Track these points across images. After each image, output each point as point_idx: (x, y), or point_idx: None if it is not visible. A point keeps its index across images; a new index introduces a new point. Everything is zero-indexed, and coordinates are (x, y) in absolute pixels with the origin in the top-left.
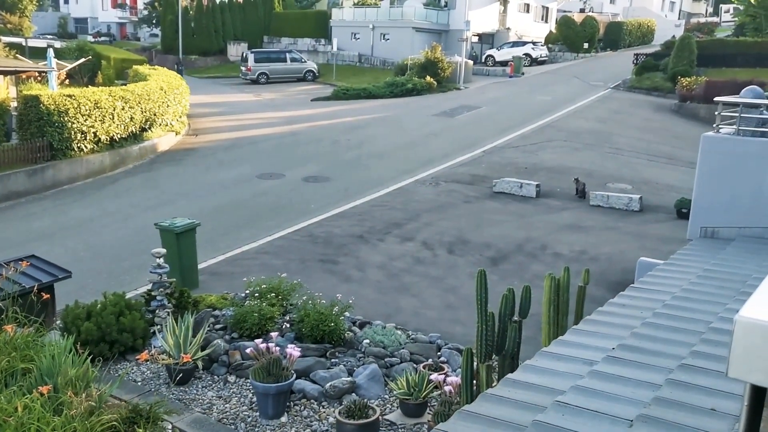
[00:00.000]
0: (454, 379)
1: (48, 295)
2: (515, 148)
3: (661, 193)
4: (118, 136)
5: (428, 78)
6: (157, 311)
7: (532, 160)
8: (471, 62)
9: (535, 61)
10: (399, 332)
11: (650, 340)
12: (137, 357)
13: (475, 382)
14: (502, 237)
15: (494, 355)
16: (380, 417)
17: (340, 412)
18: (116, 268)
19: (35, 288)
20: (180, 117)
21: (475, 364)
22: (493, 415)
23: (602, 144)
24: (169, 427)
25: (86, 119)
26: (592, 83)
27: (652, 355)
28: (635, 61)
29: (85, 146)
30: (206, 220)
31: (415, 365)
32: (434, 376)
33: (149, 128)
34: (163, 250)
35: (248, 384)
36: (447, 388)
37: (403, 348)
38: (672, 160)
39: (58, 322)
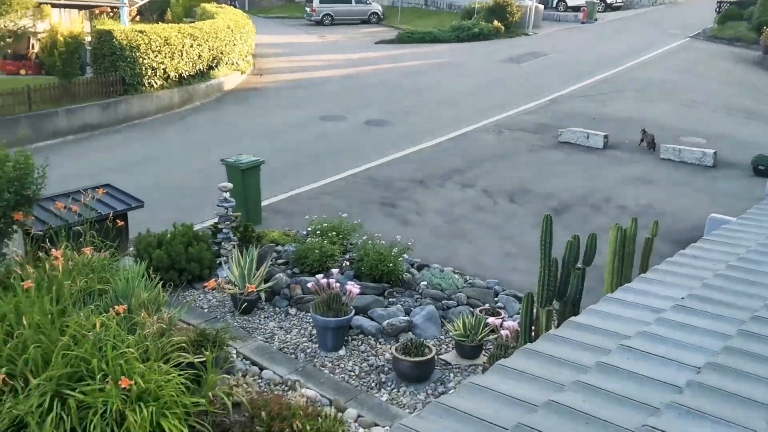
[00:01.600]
0: (511, 323)
1: (122, 223)
2: (584, 98)
3: (737, 149)
4: (186, 73)
5: (495, 23)
6: (222, 243)
7: (601, 110)
8: (541, 7)
9: (609, 7)
10: (456, 276)
11: (722, 292)
12: (204, 285)
13: (533, 327)
14: (565, 188)
15: (555, 301)
16: (436, 356)
17: (396, 349)
18: (183, 201)
19: (111, 215)
20: (245, 56)
21: (534, 309)
22: (556, 354)
23: (677, 96)
24: (234, 352)
25: (156, 55)
26: (670, 31)
27: (724, 306)
28: (718, 9)
29: (155, 82)
30: (269, 159)
31: (471, 309)
32: (491, 320)
33: (216, 66)
34: (230, 185)
35: (308, 317)
36: (503, 333)
37: (460, 292)
38: (752, 115)
39: (131, 248)
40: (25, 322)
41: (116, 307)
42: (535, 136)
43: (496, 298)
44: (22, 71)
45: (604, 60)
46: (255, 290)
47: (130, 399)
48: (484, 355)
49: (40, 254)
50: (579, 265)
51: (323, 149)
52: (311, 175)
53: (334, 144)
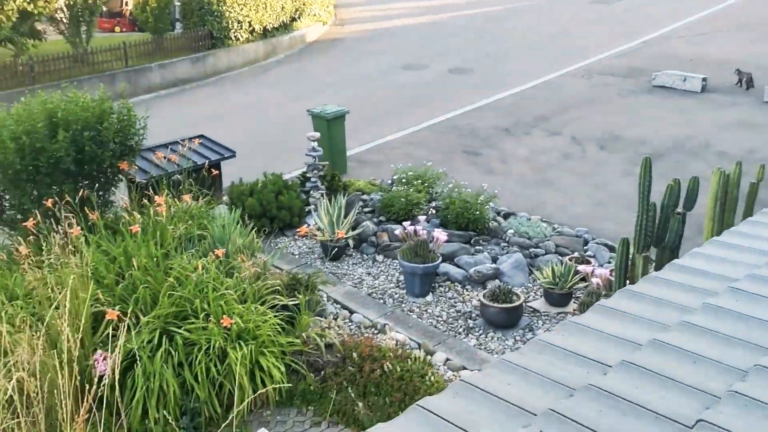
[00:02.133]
0: (602, 271)
1: (216, 172)
2: (680, 39)
3: None
4: (270, 25)
5: None
6: (311, 192)
7: (699, 51)
8: None
9: None
10: (544, 224)
11: None
12: (297, 230)
13: (628, 274)
14: (659, 134)
15: (652, 248)
16: (524, 303)
17: (484, 295)
18: (270, 152)
19: (206, 164)
20: (327, 7)
21: (630, 255)
22: (658, 296)
23: None
24: (324, 296)
25: (242, 9)
26: None
27: None
28: None
29: (241, 35)
30: (352, 110)
31: (560, 257)
32: (582, 267)
33: (298, 18)
34: (318, 134)
35: (395, 264)
36: (594, 281)
37: (548, 240)
38: None
39: (224, 197)
40: (135, 264)
41: (215, 251)
42: (627, 81)
43: (585, 247)
44: (117, 28)
45: None
46: (344, 237)
47: (230, 337)
48: (573, 302)
49: (144, 202)
50: (679, 209)
51: (406, 98)
52: (394, 125)
53: (417, 93)
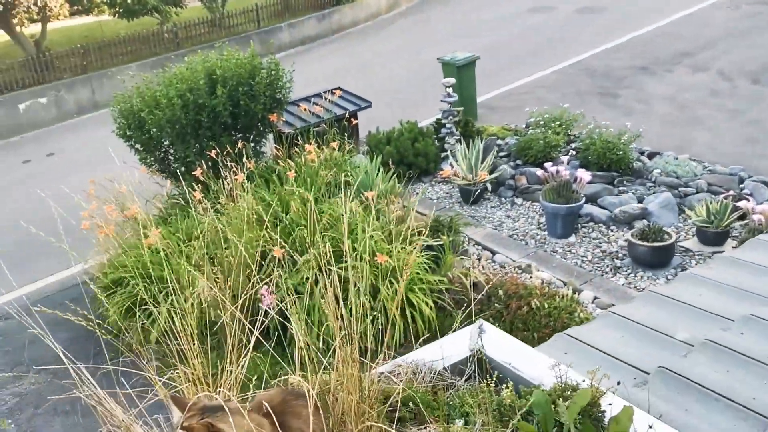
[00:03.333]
0: (765, 207)
1: (355, 122)
2: None
3: None
4: None
5: None
6: (446, 138)
7: None
8: None
9: None
10: (693, 163)
11: None
12: (440, 172)
13: None
14: None
15: None
16: (675, 242)
17: (632, 234)
18: (402, 101)
19: (347, 114)
20: None
21: None
22: None
23: None
24: (466, 238)
25: None
26: None
27: None
28: None
29: None
30: (480, 57)
31: (713, 196)
32: (742, 203)
33: None
34: (452, 80)
35: (535, 207)
36: (756, 217)
37: (699, 179)
38: None
39: (363, 146)
40: (294, 207)
41: (366, 193)
42: None
43: (741, 185)
44: None
45: None
46: (485, 179)
47: (380, 275)
48: (731, 241)
49: (293, 151)
50: None
51: (534, 42)
52: (523, 70)
53: (546, 36)
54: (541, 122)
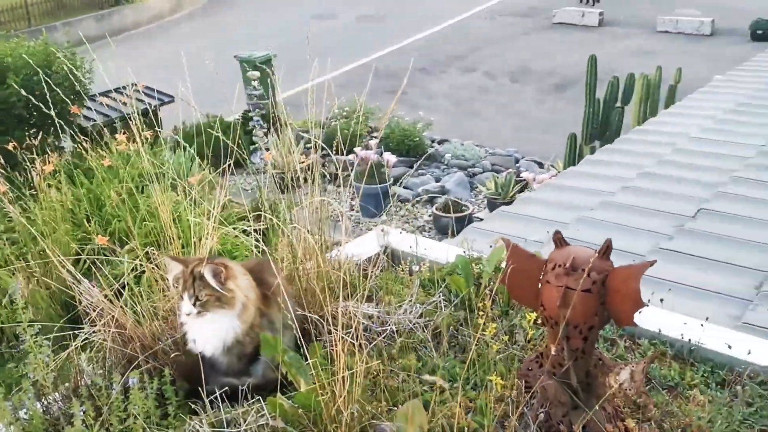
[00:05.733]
0: (544, 176)
1: (161, 115)
2: None
3: (733, 16)
4: None
5: None
6: (254, 131)
7: None
8: None
9: None
10: (477, 148)
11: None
12: (262, 157)
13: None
14: (566, 65)
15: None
16: (471, 213)
17: (437, 208)
18: (201, 100)
19: (151, 107)
20: None
21: (578, 147)
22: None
23: None
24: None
25: None
26: None
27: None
28: None
29: None
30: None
31: (496, 174)
32: (525, 174)
33: None
34: (258, 73)
35: (346, 191)
36: (536, 186)
37: (483, 160)
38: None
39: (172, 141)
40: (114, 198)
41: (189, 179)
42: (529, 20)
43: (518, 164)
44: None
45: None
46: (296, 168)
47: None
48: None
49: (96, 147)
50: (618, 104)
51: (322, 46)
52: (315, 71)
53: (332, 40)
54: (344, 114)
